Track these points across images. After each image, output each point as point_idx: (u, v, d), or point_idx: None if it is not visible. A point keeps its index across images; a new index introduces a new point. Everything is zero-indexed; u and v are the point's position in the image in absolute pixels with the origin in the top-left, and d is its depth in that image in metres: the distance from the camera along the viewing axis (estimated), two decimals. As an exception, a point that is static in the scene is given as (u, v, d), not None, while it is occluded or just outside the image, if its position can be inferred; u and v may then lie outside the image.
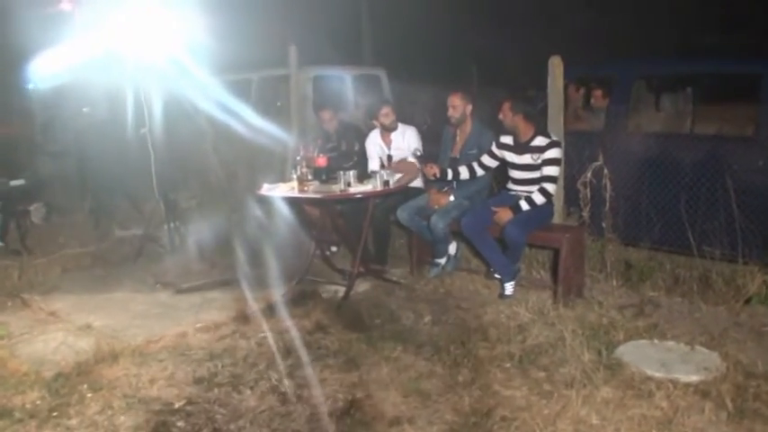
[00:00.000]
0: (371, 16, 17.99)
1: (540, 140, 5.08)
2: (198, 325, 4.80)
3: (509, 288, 5.14)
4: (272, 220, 6.37)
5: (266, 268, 5.91)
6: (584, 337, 4.24)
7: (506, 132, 5.25)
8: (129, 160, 7.34)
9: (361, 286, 5.53)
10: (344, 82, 10.70)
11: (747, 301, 4.70)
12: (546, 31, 14.40)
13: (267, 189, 5.55)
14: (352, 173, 5.40)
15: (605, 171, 5.16)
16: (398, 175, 5.58)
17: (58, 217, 8.04)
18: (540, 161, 5.05)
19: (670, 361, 3.94)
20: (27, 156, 8.08)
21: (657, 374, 3.78)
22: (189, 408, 3.64)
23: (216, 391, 3.82)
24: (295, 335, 4.54)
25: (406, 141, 5.95)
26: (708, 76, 6.15)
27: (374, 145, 6.13)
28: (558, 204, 5.53)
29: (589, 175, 5.19)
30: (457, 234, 5.55)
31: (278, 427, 3.42)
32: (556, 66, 5.38)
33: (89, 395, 3.79)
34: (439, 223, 5.35)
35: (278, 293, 5.35)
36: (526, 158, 5.13)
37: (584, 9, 15.20)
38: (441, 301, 5.17)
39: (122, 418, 3.55)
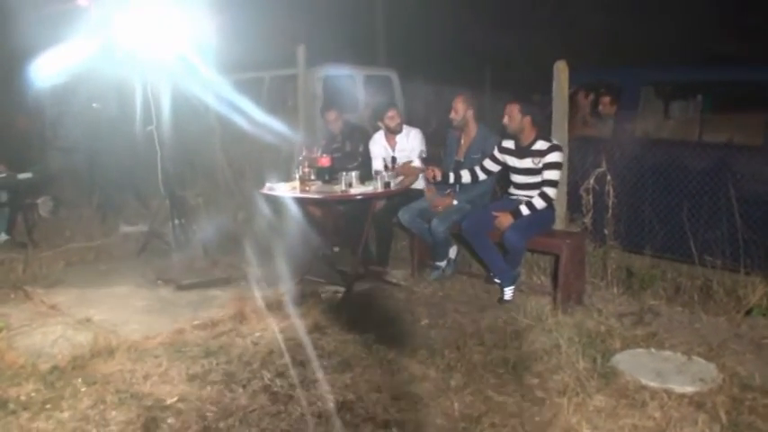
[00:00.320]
0: (386, 17, 17.99)
1: (540, 144, 5.05)
2: (196, 322, 4.81)
3: (508, 293, 5.11)
4: (276, 219, 6.40)
5: (268, 267, 5.95)
6: (581, 344, 4.20)
7: (509, 136, 5.22)
8: (137, 157, 7.39)
9: (361, 287, 5.52)
10: (355, 82, 10.72)
11: (748, 313, 4.65)
12: (563, 36, 14.38)
13: (269, 188, 5.55)
14: (354, 174, 5.41)
15: (608, 177, 5.11)
16: (400, 178, 5.57)
17: (66, 211, 8.14)
18: (540, 165, 5.02)
19: (666, 371, 3.89)
20: (36, 150, 8.14)
21: (652, 384, 3.74)
22: (180, 405, 3.64)
23: (209, 388, 3.82)
24: (291, 334, 4.56)
25: (410, 143, 5.95)
26: (716, 83, 6.09)
27: (378, 146, 6.12)
28: (561, 210, 5.49)
29: (592, 181, 5.14)
30: (458, 237, 5.53)
31: (267, 427, 3.41)
32: (561, 70, 5.34)
33: (83, 389, 3.80)
34: (440, 226, 5.34)
35: (278, 293, 5.35)
36: (527, 162, 5.11)
37: (600, 14, 15.10)
38: (439, 305, 5.15)
39: (114, 412, 3.56)
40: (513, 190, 5.31)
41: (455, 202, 5.47)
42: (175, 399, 3.71)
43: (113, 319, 4.94)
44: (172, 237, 6.69)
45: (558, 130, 5.41)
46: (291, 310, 4.98)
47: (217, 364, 4.12)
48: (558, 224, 5.46)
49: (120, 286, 5.75)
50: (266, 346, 4.37)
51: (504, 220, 4.99)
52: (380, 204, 5.71)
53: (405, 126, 6.07)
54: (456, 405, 3.58)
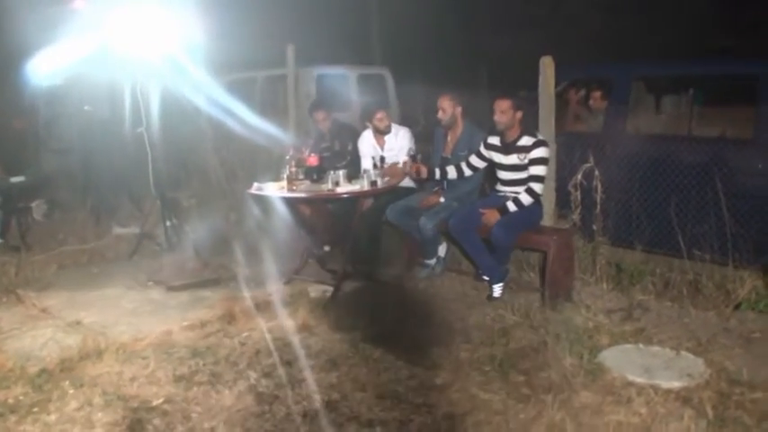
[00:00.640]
0: (381, 16, 17.98)
1: (525, 140, 5.04)
2: (184, 323, 4.81)
3: (497, 290, 5.11)
4: (267, 219, 6.40)
5: (259, 267, 5.95)
6: (568, 341, 4.19)
7: (495, 133, 5.21)
8: (130, 158, 7.40)
9: (350, 286, 5.51)
10: (348, 81, 10.71)
11: (737, 307, 4.64)
12: (559, 34, 14.36)
13: (257, 188, 5.55)
14: (341, 173, 5.41)
15: (596, 173, 5.09)
16: (387, 177, 5.57)
17: (60, 214, 8.12)
18: (526, 161, 5.01)
19: (653, 366, 3.89)
20: (29, 153, 8.15)
21: (639, 380, 3.73)
22: (166, 406, 3.64)
23: (195, 389, 3.82)
24: (279, 334, 4.55)
25: (399, 143, 5.94)
26: (706, 77, 6.07)
27: (367, 145, 6.12)
28: (550, 206, 5.48)
29: (580, 176, 5.13)
30: (447, 235, 5.52)
31: (251, 427, 3.42)
32: (547, 66, 5.32)
33: (70, 391, 3.81)
34: (428, 224, 5.33)
35: (267, 293, 5.36)
36: (513, 159, 5.10)
37: (596, 11, 15.09)
38: (428, 303, 5.15)
39: (100, 414, 3.56)
40: (499, 186, 5.30)
41: (442, 200, 5.46)
42: (161, 400, 3.71)
43: (103, 321, 4.93)
44: (164, 238, 6.70)
45: (544, 125, 5.39)
46: (280, 309, 4.98)
47: (204, 365, 4.12)
48: (547, 220, 5.45)
49: (110, 288, 5.74)
50: (253, 347, 4.38)
51: (491, 216, 4.98)
52: (368, 203, 5.70)
53: (393, 125, 6.07)
54: (441, 403, 3.58)
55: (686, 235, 4.93)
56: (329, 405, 3.59)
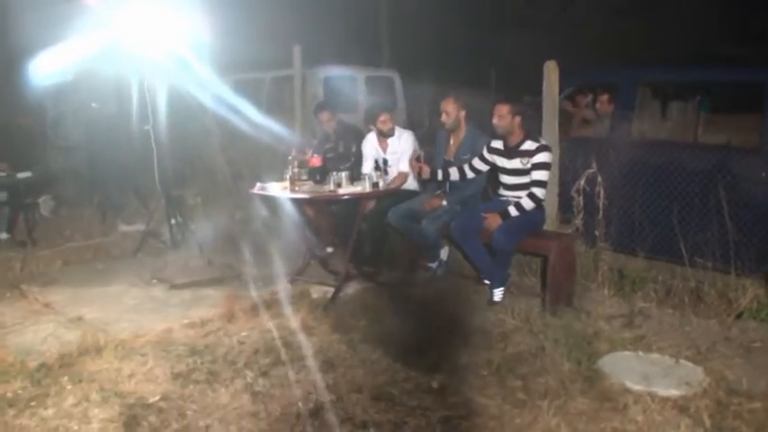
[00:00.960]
0: (391, 19, 17.98)
1: (528, 144, 5.03)
2: (185, 321, 4.82)
3: (498, 294, 5.09)
4: (272, 219, 6.41)
5: (262, 267, 5.97)
6: (567, 346, 4.18)
7: (498, 137, 5.20)
8: (136, 156, 7.43)
9: (352, 288, 5.51)
10: (356, 83, 10.71)
11: (739, 316, 4.61)
12: (567, 37, 14.31)
13: (260, 188, 5.57)
14: (343, 174, 5.41)
15: (599, 179, 5.07)
16: (388, 178, 5.57)
17: (67, 210, 8.17)
18: (529, 165, 5.00)
19: (652, 374, 3.86)
20: (36, 149, 8.19)
21: (637, 387, 3.71)
22: (162, 403, 3.66)
23: (191, 387, 3.84)
24: (278, 334, 4.55)
25: (402, 146, 5.94)
26: (713, 84, 6.04)
27: (370, 147, 6.12)
28: (552, 211, 5.46)
29: (582, 182, 5.11)
30: (449, 238, 5.52)
31: (245, 426, 3.43)
32: (551, 70, 5.32)
33: (68, 387, 3.83)
34: (430, 227, 5.33)
35: (269, 292, 5.36)
36: (515, 163, 5.09)
37: (605, 15, 15.03)
38: (428, 306, 5.13)
39: (96, 410, 3.58)
40: (502, 191, 5.29)
41: (444, 203, 5.45)
42: (158, 397, 3.72)
43: (104, 317, 4.96)
44: (168, 236, 6.73)
45: (548, 130, 5.38)
46: (281, 309, 4.99)
47: (201, 363, 4.13)
48: (549, 225, 5.44)
49: (114, 285, 5.77)
50: (252, 346, 4.38)
51: (493, 221, 4.97)
52: (371, 205, 5.70)
53: (397, 128, 6.07)
54: (436, 407, 3.57)
55: (688, 242, 4.90)
56: (324, 406, 3.59)
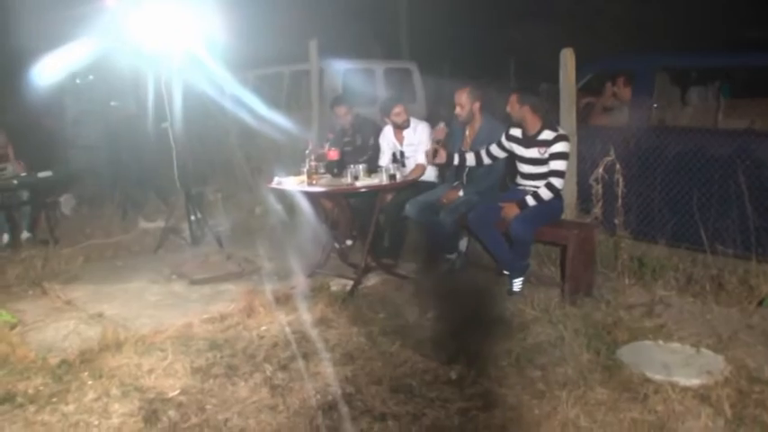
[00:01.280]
0: (409, 9, 17.91)
1: (546, 134, 5.00)
2: (205, 316, 4.85)
3: (517, 285, 5.06)
4: (291, 213, 6.43)
5: (281, 261, 5.99)
6: (587, 336, 4.14)
7: (516, 125, 5.17)
8: (157, 153, 7.49)
9: (371, 280, 5.53)
10: (375, 76, 10.69)
11: (760, 303, 4.53)
12: (588, 25, 14.18)
13: (277, 182, 5.58)
14: (361, 167, 5.41)
15: (617, 166, 5.02)
16: (406, 170, 5.56)
17: (88, 208, 8.26)
18: (546, 155, 4.96)
19: (672, 363, 3.81)
20: (57, 148, 8.28)
21: (657, 377, 3.66)
22: (181, 398, 3.68)
23: (211, 381, 3.86)
24: (297, 328, 4.57)
25: (418, 137, 5.92)
26: (732, 69, 5.95)
27: (387, 140, 6.12)
28: (571, 200, 5.41)
29: (601, 170, 5.06)
30: (467, 229, 5.49)
31: (264, 419, 3.43)
32: (568, 58, 5.26)
33: (89, 382, 3.87)
34: (447, 219, 5.30)
35: (288, 286, 5.38)
36: (533, 152, 5.06)
37: (623, 2, 14.86)
38: (447, 297, 5.11)
39: (116, 405, 3.61)
40: (520, 180, 5.27)
41: (461, 194, 5.42)
42: (177, 392, 3.75)
43: (125, 313, 5.01)
44: (188, 232, 6.78)
45: (565, 118, 5.33)
46: (300, 303, 5.00)
47: (221, 357, 4.15)
48: (568, 214, 5.39)
49: (134, 281, 5.82)
50: (271, 340, 4.40)
51: (510, 210, 4.95)
52: (389, 197, 5.69)
53: (412, 120, 6.05)
54: (455, 398, 3.57)
55: (709, 229, 4.84)
56: (343, 398, 3.59)
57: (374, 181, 5.37)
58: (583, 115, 6.20)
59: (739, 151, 5.15)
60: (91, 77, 8.29)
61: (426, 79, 11.81)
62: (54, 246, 6.85)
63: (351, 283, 5.37)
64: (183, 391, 3.75)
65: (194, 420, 3.45)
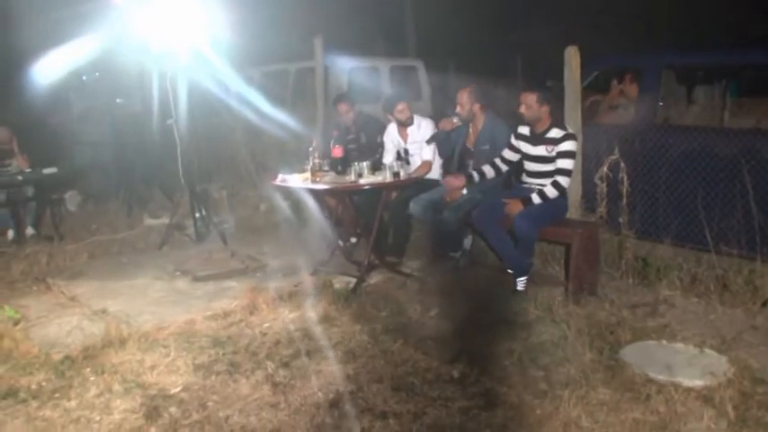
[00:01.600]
0: (416, 8, 17.88)
1: (555, 132, 4.98)
2: (207, 313, 4.85)
3: (520, 284, 5.04)
4: (295, 211, 6.43)
5: (285, 258, 6.00)
6: (589, 336, 4.13)
7: (524, 123, 5.15)
8: (161, 150, 7.50)
9: (374, 278, 5.51)
10: (380, 73, 10.67)
11: (765, 304, 4.50)
12: (594, 23, 14.13)
13: (281, 179, 5.58)
14: (365, 164, 5.40)
15: (622, 165, 5.00)
16: (410, 167, 5.54)
17: (93, 204, 8.28)
18: (554, 153, 4.94)
19: (675, 364, 3.78)
20: (62, 145, 8.30)
21: (660, 377, 3.64)
22: (183, 394, 3.69)
23: (213, 378, 3.86)
24: (300, 325, 4.58)
25: (422, 134, 5.91)
26: (739, 67, 5.90)
27: (391, 138, 6.11)
28: (576, 199, 5.39)
29: (605, 168, 5.04)
30: (471, 227, 5.48)
31: (265, 417, 3.43)
32: (572, 56, 5.24)
33: (91, 378, 3.88)
34: (452, 217, 5.29)
35: (292, 284, 5.38)
36: (540, 150, 5.04)
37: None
38: (450, 295, 5.09)
39: (118, 401, 3.62)
40: (525, 178, 5.25)
41: (465, 192, 5.41)
42: (179, 388, 3.76)
43: (128, 309, 5.01)
44: (193, 229, 6.79)
45: (570, 116, 5.30)
46: (303, 300, 5.01)
47: (223, 354, 4.16)
48: (573, 213, 5.37)
49: (138, 278, 5.83)
50: (273, 337, 4.40)
51: (514, 206, 4.92)
52: (393, 195, 5.69)
53: (416, 117, 6.04)
54: (456, 397, 3.56)
55: (714, 229, 4.81)
56: (344, 396, 3.59)
57: (378, 178, 5.36)
58: (588, 113, 6.18)
59: (745, 150, 5.11)
60: (97, 74, 8.31)
61: (432, 77, 11.79)
62: (59, 242, 6.88)
63: (354, 280, 5.36)
64: (185, 388, 3.75)
65: (195, 417, 3.45)
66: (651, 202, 5.37)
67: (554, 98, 5.18)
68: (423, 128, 5.95)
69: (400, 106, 5.96)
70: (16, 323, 4.73)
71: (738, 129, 5.64)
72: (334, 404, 3.53)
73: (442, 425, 3.31)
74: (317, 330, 4.48)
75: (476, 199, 5.32)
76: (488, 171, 5.41)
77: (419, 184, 5.68)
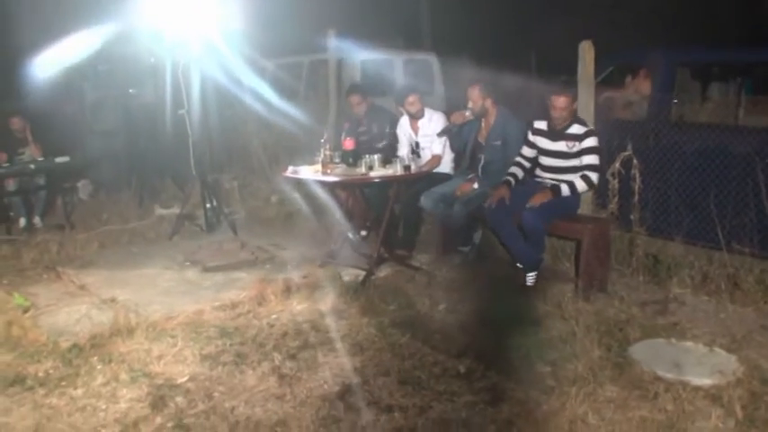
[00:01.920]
0: (432, 1, 17.81)
1: (576, 128, 4.95)
2: (216, 303, 4.86)
3: (530, 279, 5.01)
4: (306, 203, 6.42)
5: (295, 250, 6.01)
6: (598, 332, 4.09)
7: (539, 118, 5.11)
8: (173, 141, 7.52)
9: (384, 271, 5.50)
10: (394, 67, 10.64)
11: (775, 303, 4.47)
12: (610, 18, 14.02)
13: (292, 171, 5.57)
14: (376, 157, 5.38)
15: (634, 162, 4.96)
16: (421, 161, 5.52)
17: (105, 194, 8.31)
18: (575, 150, 4.92)
19: (684, 362, 3.75)
20: (74, 134, 8.33)
21: (668, 375, 3.61)
22: (189, 384, 3.70)
23: (219, 368, 3.87)
24: (308, 317, 4.58)
25: (433, 127, 5.88)
26: (754, 64, 5.83)
27: (404, 131, 6.09)
28: (588, 195, 5.34)
29: (618, 165, 5.00)
30: (481, 222, 5.45)
31: (271, 408, 3.43)
32: (586, 51, 5.19)
33: (98, 367, 3.90)
34: (462, 211, 5.27)
35: (301, 275, 5.38)
36: (560, 145, 5.01)
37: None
38: (459, 290, 5.07)
39: (125, 390, 3.63)
40: (539, 172, 5.21)
41: (476, 186, 5.38)
42: (186, 378, 3.77)
43: (137, 299, 5.02)
44: (204, 219, 6.81)
45: (583, 111, 5.25)
46: (312, 292, 5.01)
47: (230, 345, 4.17)
48: (584, 209, 5.33)
49: (148, 268, 5.84)
50: (281, 328, 4.40)
51: (544, 196, 4.88)
52: (403, 189, 5.67)
53: (427, 110, 6.01)
54: (463, 392, 3.54)
55: (726, 227, 4.76)
56: (350, 389, 3.59)
57: (388, 171, 5.34)
58: (602, 109, 6.12)
59: (759, 148, 5.05)
60: (109, 64, 8.33)
61: (446, 71, 11.73)
62: (70, 231, 6.91)
63: (363, 273, 5.35)
64: (192, 378, 3.76)
65: (201, 407, 3.46)
66: (663, 199, 5.32)
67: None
68: (434, 121, 5.92)
69: (411, 98, 5.94)
70: (26, 311, 4.75)
71: (753, 127, 5.58)
72: (340, 397, 3.52)
73: (447, 419, 3.30)
74: (325, 322, 4.48)
75: (486, 194, 5.29)
76: (519, 173, 5.34)
77: (430, 177, 5.66)
